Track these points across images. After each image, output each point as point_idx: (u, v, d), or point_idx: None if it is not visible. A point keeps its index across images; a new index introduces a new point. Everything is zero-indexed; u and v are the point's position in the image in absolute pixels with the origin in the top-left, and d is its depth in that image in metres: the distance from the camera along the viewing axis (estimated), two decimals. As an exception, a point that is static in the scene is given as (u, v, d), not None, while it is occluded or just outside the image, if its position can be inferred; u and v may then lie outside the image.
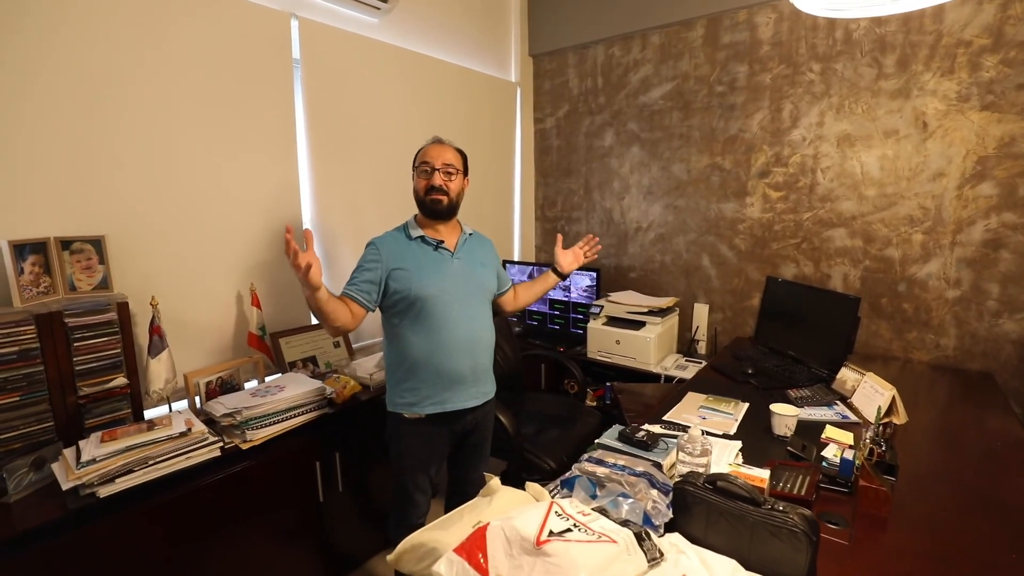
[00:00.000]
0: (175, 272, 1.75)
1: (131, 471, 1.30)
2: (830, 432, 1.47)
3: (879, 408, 1.51)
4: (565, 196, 3.21)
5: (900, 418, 1.57)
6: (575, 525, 0.82)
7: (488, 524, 0.82)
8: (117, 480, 1.28)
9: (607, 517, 0.89)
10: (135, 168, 1.63)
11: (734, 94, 2.49)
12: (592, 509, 0.90)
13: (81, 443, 1.35)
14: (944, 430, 1.63)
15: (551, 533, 0.79)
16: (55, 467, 1.32)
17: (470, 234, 1.66)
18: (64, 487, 1.24)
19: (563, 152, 3.17)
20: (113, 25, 1.55)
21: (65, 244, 1.49)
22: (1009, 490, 1.25)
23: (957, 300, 2.08)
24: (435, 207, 1.53)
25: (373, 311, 1.52)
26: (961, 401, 1.85)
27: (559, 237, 1.88)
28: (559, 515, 0.84)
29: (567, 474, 1.08)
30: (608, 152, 2.97)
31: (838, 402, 1.71)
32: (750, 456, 1.35)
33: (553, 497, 1.01)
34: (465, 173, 1.61)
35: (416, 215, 1.62)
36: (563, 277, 1.82)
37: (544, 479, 1.98)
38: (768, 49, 2.37)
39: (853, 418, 1.62)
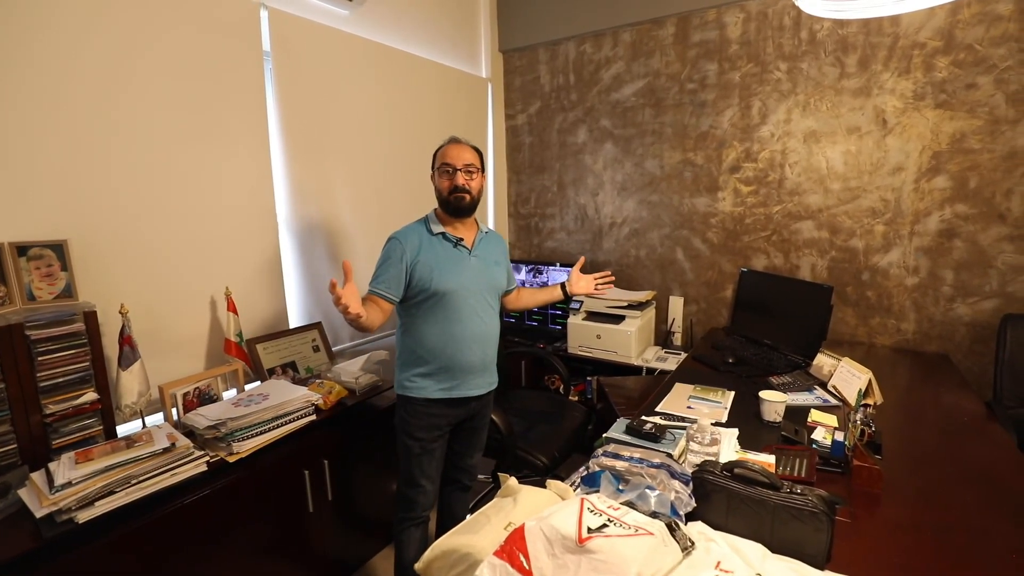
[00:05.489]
0: (145, 277, 1.63)
1: (112, 492, 1.20)
2: (815, 416, 1.54)
3: (859, 391, 1.60)
4: (539, 193, 3.21)
5: (876, 399, 1.66)
6: (610, 520, 0.82)
7: (524, 525, 0.80)
8: (97, 503, 1.18)
9: (635, 510, 0.90)
10: (99, 167, 1.51)
11: (705, 91, 2.56)
12: (620, 503, 0.90)
13: (51, 465, 1.24)
14: (914, 408, 1.74)
15: (589, 530, 0.78)
16: (22, 493, 1.20)
17: (486, 232, 1.72)
18: (37, 514, 1.13)
19: (536, 149, 3.17)
20: (72, 13, 1.43)
21: (21, 250, 1.36)
22: (985, 460, 1.34)
23: (916, 287, 2.21)
24: (459, 204, 1.58)
25: (398, 303, 1.56)
26: (923, 381, 1.97)
27: (581, 260, 1.96)
28: (592, 511, 0.84)
29: (584, 470, 1.08)
30: (581, 149, 3.00)
31: (817, 387, 1.79)
32: (745, 442, 1.39)
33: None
34: (483, 170, 1.65)
35: (435, 210, 1.66)
36: (568, 298, 1.91)
37: (535, 475, 1.99)
38: (737, 48, 2.45)
39: (833, 401, 1.69)
